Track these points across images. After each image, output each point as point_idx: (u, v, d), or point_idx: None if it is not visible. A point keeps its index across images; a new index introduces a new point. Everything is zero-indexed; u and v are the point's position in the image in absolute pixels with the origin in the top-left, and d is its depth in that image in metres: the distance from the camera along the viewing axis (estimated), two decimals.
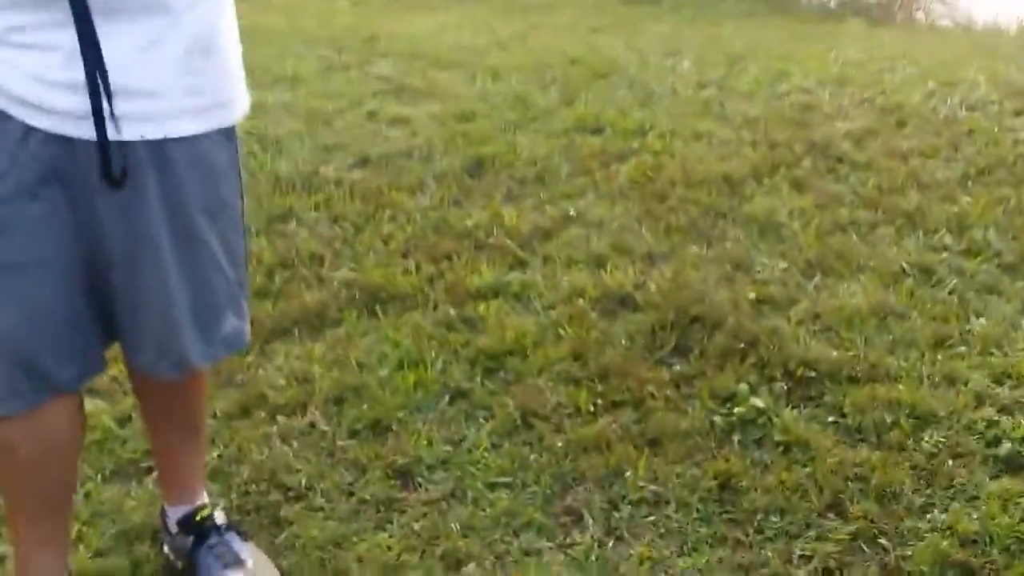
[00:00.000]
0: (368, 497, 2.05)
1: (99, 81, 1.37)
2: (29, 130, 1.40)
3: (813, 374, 2.38)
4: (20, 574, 1.72)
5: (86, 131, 1.40)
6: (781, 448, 2.15)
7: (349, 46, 5.00)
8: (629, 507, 2.01)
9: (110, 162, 1.41)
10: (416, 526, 1.96)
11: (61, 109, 1.39)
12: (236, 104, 1.61)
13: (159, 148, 1.46)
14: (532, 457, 2.15)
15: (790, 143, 3.74)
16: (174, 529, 1.87)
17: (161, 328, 1.59)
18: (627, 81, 4.41)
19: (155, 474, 2.05)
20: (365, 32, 5.21)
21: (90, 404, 2.21)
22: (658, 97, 4.23)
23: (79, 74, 1.36)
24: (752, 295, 2.72)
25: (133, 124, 1.42)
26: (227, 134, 1.59)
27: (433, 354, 2.52)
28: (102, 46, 1.36)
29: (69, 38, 1.35)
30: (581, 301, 2.72)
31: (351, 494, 2.06)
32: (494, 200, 3.35)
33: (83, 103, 1.38)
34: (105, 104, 1.38)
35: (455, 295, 2.81)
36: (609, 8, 5.94)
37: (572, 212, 3.25)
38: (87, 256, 1.50)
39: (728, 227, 3.14)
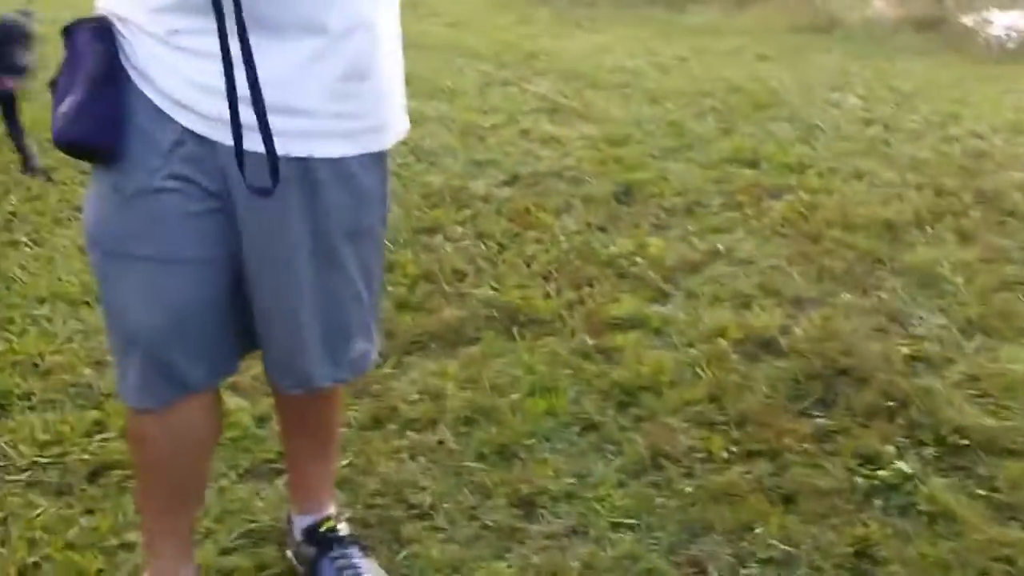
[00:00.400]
0: (490, 523, 2.02)
1: (240, 93, 1.36)
2: (184, 131, 1.43)
3: (966, 442, 2.23)
4: (146, 563, 1.77)
5: (230, 141, 1.39)
6: (926, 518, 2.02)
7: (509, 62, 5.04)
8: (757, 565, 1.92)
9: (268, 172, 1.39)
10: (535, 559, 1.93)
11: (214, 116, 1.40)
12: (389, 129, 1.58)
13: (305, 166, 1.46)
14: (659, 500, 2.09)
15: (958, 191, 3.56)
16: (299, 537, 1.88)
17: (289, 346, 1.60)
18: (788, 113, 4.29)
19: (286, 478, 2.09)
20: (526, 49, 5.23)
21: (231, 401, 2.27)
22: (820, 132, 4.09)
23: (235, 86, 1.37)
24: (905, 351, 2.58)
25: (280, 139, 1.39)
26: (377, 158, 1.56)
27: (566, 382, 2.49)
28: (258, 60, 1.35)
29: (230, 49, 1.35)
30: (723, 341, 2.64)
31: (474, 518, 2.04)
32: (640, 228, 3.31)
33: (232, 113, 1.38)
34: (255, 116, 1.36)
35: (593, 323, 2.77)
36: (776, 35, 5.79)
37: (720, 247, 3.17)
38: (231, 262, 1.52)
39: (885, 276, 3.00)
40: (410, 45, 4.75)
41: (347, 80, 1.45)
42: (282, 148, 1.40)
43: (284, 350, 1.61)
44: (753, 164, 3.77)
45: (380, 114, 1.55)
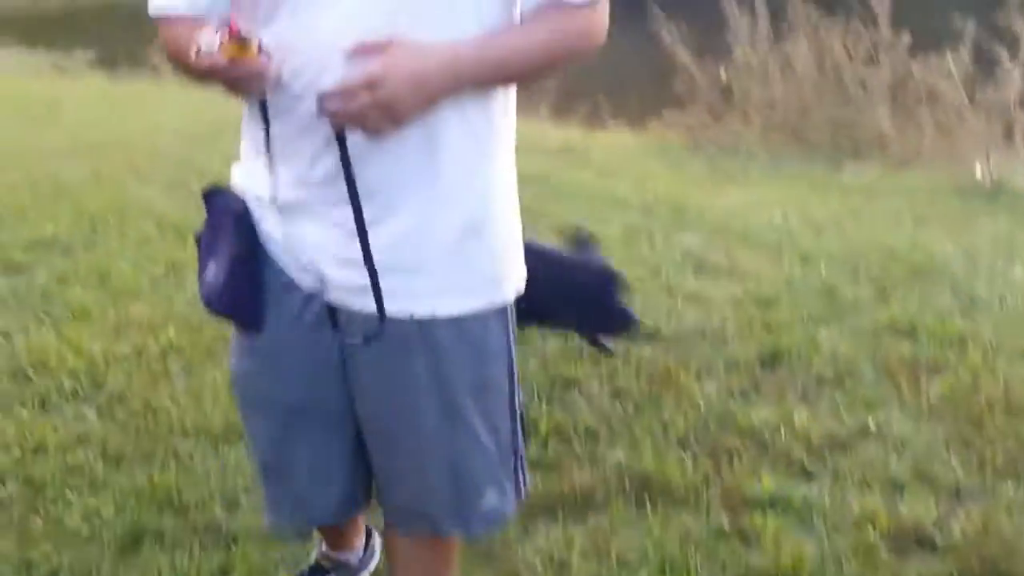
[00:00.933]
0: None
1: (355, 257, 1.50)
2: (311, 296, 1.59)
3: None
4: None
5: (356, 303, 1.54)
6: None
7: (658, 213, 5.03)
8: None
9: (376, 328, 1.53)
10: None
11: (338, 283, 1.54)
12: (508, 282, 1.60)
13: (427, 325, 1.53)
14: None
15: None
16: None
17: (415, 495, 1.68)
18: (950, 283, 4.09)
19: None
20: (676, 201, 5.22)
21: None
22: (984, 305, 3.87)
23: (354, 252, 1.49)
24: None
25: (400, 300, 1.51)
26: (499, 311, 1.59)
27: (698, 564, 2.36)
28: (376, 224, 1.47)
29: (347, 217, 1.47)
30: (871, 531, 2.46)
31: None
32: (786, 398, 3.17)
33: (355, 278, 1.51)
34: (370, 280, 1.50)
35: (731, 500, 2.64)
36: (940, 199, 5.61)
37: (872, 424, 2.99)
38: (353, 413, 1.65)
39: None
40: (559, 195, 4.86)
41: (464, 238, 1.52)
42: (404, 310, 1.52)
43: (409, 498, 1.69)
44: (910, 335, 3.58)
45: (499, 267, 1.59)
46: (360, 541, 2.25)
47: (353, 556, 2.24)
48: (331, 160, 1.45)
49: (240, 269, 1.60)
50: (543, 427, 3.00)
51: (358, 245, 1.48)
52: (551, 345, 3.54)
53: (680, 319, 3.76)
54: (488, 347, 1.59)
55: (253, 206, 1.60)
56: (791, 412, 3.06)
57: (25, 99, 8.66)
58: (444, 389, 1.57)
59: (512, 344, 1.65)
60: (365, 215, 1.46)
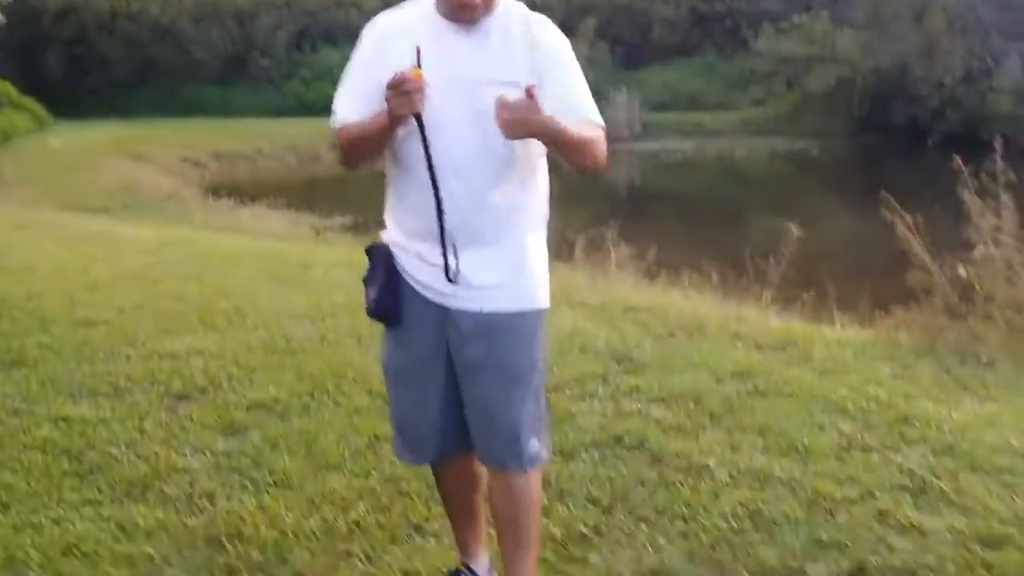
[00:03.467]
0: None
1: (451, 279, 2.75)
2: (429, 304, 2.79)
3: None
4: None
5: (452, 303, 2.79)
6: None
7: (877, 424, 4.67)
8: None
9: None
10: None
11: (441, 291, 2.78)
12: (544, 296, 2.86)
13: (493, 318, 2.77)
14: None
15: None
16: None
17: (487, 438, 2.87)
18: None
19: None
20: (900, 410, 4.84)
21: None
22: None
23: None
24: None
25: (477, 302, 2.77)
26: (540, 313, 2.86)
27: None
28: (463, 260, 2.73)
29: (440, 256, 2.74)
30: None
31: None
32: None
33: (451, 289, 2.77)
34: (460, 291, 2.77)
35: None
36: None
37: None
38: (452, 381, 2.87)
39: None
40: (773, 392, 4.60)
41: (516, 268, 2.78)
42: (481, 306, 2.76)
43: (484, 441, 2.89)
44: None
45: (536, 287, 2.84)
46: (485, 557, 3.19)
47: (481, 569, 3.15)
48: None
49: (387, 290, 2.79)
50: None
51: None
52: (741, 569, 3.31)
53: (891, 553, 3.42)
54: (524, 337, 2.82)
55: (395, 251, 2.82)
56: None
57: (282, 261, 9.38)
58: (501, 361, 2.79)
59: (541, 339, 2.89)
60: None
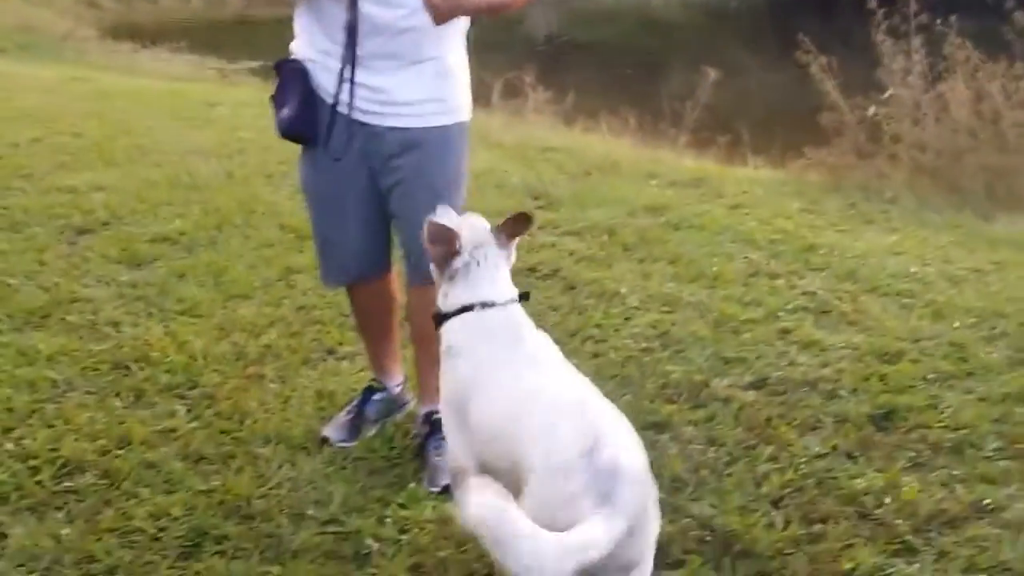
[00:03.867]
0: None
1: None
2: (349, 121, 2.73)
3: None
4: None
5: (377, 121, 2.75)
6: None
7: (783, 252, 4.77)
8: None
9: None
10: None
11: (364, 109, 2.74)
12: (464, 108, 2.85)
13: (413, 134, 2.75)
14: None
15: None
16: (420, 421, 3.02)
17: (413, 250, 2.75)
18: None
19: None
20: (806, 241, 4.94)
21: None
22: None
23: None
24: None
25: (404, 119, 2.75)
26: (462, 127, 2.85)
27: None
28: (387, 79, 2.71)
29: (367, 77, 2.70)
30: None
31: None
32: (895, 463, 2.92)
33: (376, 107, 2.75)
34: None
35: (820, 571, 2.44)
36: None
37: (988, 502, 2.72)
38: (377, 196, 2.84)
39: None
40: (684, 226, 4.63)
41: (440, 84, 2.76)
42: (409, 123, 2.74)
43: (412, 255, 2.81)
44: None
45: (456, 100, 2.82)
46: (400, 376, 3.20)
47: (394, 386, 3.16)
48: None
49: (303, 105, 2.70)
50: None
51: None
52: (649, 385, 3.39)
53: (792, 367, 3.54)
54: (463, 150, 2.86)
55: (308, 65, 2.72)
56: (899, 480, 2.82)
57: (184, 101, 9.01)
58: (420, 174, 2.75)
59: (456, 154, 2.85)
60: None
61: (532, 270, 4.48)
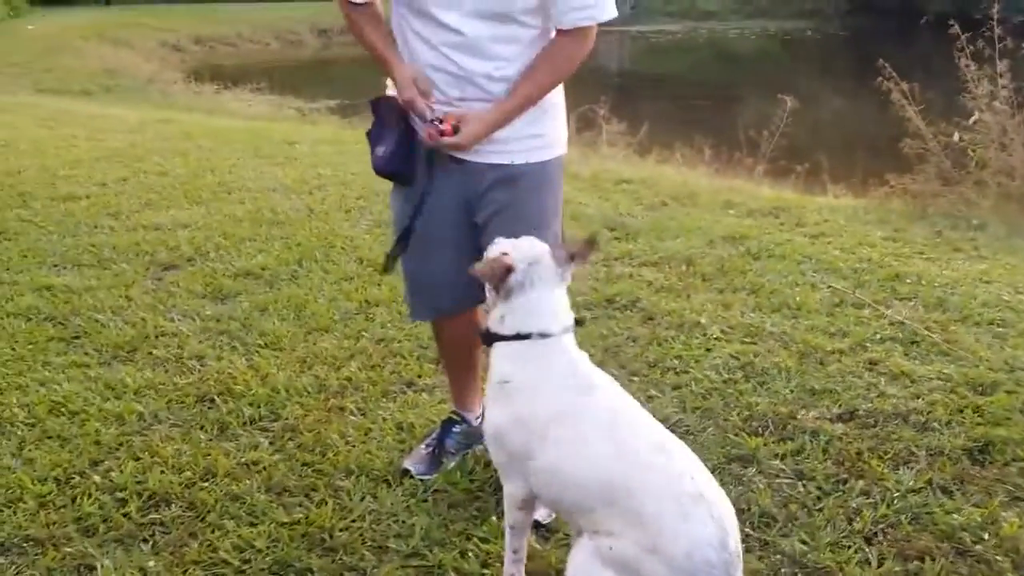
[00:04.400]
0: None
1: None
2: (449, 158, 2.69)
3: None
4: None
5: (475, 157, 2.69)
6: None
7: (868, 282, 4.66)
8: None
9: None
10: None
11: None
12: (561, 142, 2.80)
13: (516, 169, 2.70)
14: None
15: None
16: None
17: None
18: None
19: None
20: (892, 269, 4.82)
21: None
22: None
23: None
24: None
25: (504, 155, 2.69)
26: (559, 161, 2.80)
27: None
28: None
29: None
30: None
31: None
32: (994, 498, 2.80)
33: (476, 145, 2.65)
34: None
35: None
36: None
37: None
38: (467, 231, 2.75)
39: None
40: (764, 255, 4.57)
41: (539, 118, 2.69)
42: (511, 159, 2.69)
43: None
44: None
45: (555, 134, 2.78)
46: (479, 408, 3.07)
47: (473, 417, 3.13)
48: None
49: (401, 144, 2.67)
50: None
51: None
52: (733, 417, 3.32)
53: (882, 399, 3.43)
54: (559, 183, 2.81)
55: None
56: (999, 515, 2.71)
57: (265, 139, 9.21)
58: (537, 212, 2.70)
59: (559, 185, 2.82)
60: None
61: (610, 301, 4.44)
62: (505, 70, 2.59)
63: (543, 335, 2.24)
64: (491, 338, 2.32)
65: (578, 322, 2.33)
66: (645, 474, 1.99)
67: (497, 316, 2.31)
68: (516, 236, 2.40)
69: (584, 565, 2.02)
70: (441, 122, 2.56)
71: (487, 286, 2.33)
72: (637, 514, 1.95)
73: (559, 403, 2.18)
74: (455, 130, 2.56)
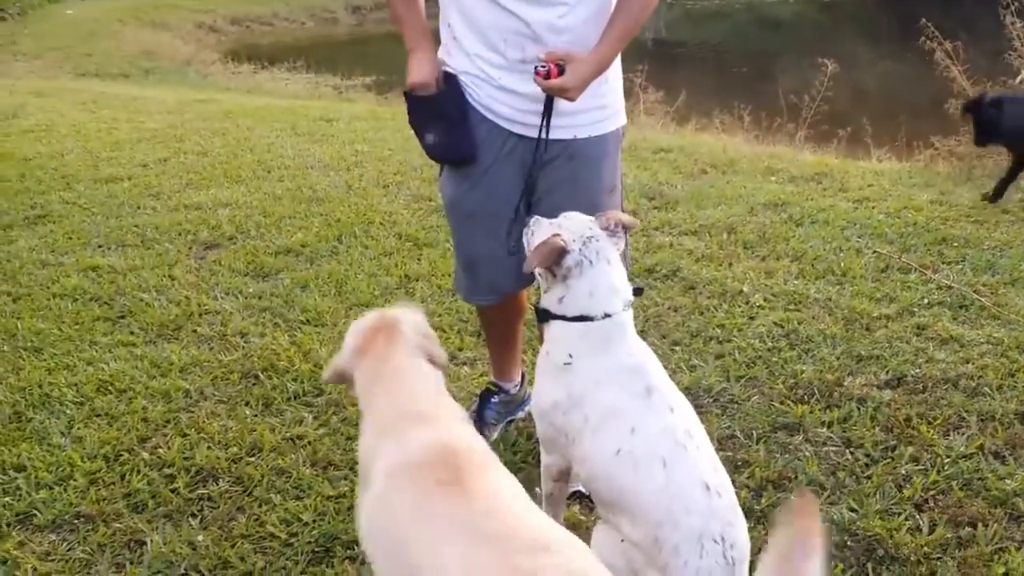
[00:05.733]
0: None
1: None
2: (511, 135, 2.57)
3: None
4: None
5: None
6: None
7: (915, 246, 4.57)
8: None
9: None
10: None
11: (529, 123, 2.55)
12: (622, 114, 2.68)
13: (580, 143, 2.58)
14: None
15: None
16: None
17: None
18: None
19: None
20: (939, 233, 4.73)
21: None
22: None
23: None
24: None
25: (568, 130, 2.56)
26: (619, 132, 2.68)
27: None
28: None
29: (527, 84, 2.45)
30: None
31: None
32: None
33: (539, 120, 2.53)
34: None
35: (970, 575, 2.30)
36: None
37: None
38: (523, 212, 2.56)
39: None
40: (807, 221, 4.50)
41: (601, 90, 2.54)
42: (574, 134, 2.56)
43: None
44: None
45: (616, 106, 2.65)
46: (518, 376, 3.14)
47: (512, 386, 3.11)
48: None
49: (458, 126, 2.56)
50: (759, 472, 2.76)
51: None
52: (779, 384, 3.28)
53: (930, 364, 3.37)
54: (619, 155, 2.69)
55: (464, 79, 2.56)
56: None
57: (303, 117, 9.23)
58: (598, 184, 2.61)
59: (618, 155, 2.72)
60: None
61: (650, 271, 4.41)
62: (568, 18, 2.42)
63: (607, 315, 2.15)
64: (548, 316, 2.22)
65: (637, 291, 2.25)
66: (684, 517, 1.92)
67: (555, 297, 2.20)
68: (579, 210, 2.30)
69: (601, 544, 2.04)
70: (544, 65, 2.36)
71: (539, 272, 2.22)
72: (658, 539, 1.92)
73: (619, 401, 2.09)
74: (560, 71, 2.36)
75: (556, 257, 2.15)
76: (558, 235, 2.18)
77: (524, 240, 2.35)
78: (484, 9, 2.46)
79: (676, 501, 1.93)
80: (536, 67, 2.37)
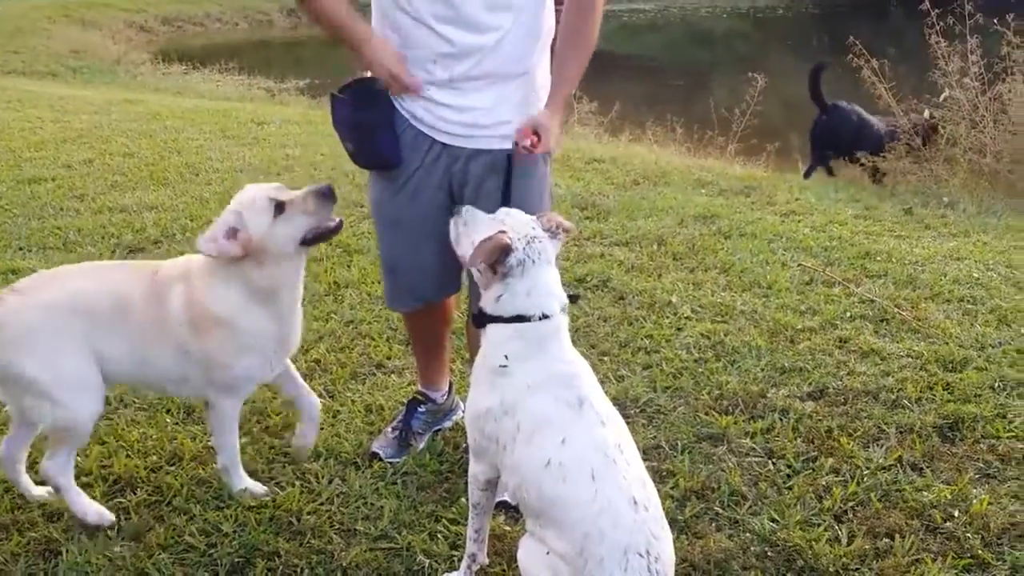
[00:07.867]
0: None
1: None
2: (434, 143, 2.61)
3: None
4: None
5: (466, 144, 2.61)
6: None
7: (839, 260, 4.67)
8: None
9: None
10: None
11: (455, 132, 2.60)
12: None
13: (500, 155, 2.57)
14: None
15: None
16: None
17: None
18: None
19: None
20: (862, 247, 4.83)
21: None
22: None
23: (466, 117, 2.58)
24: None
25: (496, 142, 2.57)
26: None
27: None
28: (477, 100, 2.56)
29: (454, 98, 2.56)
30: None
31: None
32: (963, 475, 2.81)
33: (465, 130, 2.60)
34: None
35: None
36: None
37: None
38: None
39: None
40: (735, 234, 4.55)
41: (528, 104, 2.57)
42: (502, 145, 2.54)
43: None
44: None
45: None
46: (446, 385, 3.13)
47: (439, 395, 3.10)
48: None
49: (382, 132, 2.59)
50: (683, 483, 2.78)
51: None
52: (704, 395, 3.31)
53: (851, 376, 3.43)
54: (549, 172, 2.72)
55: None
56: (968, 492, 2.71)
57: (233, 120, 9.09)
58: (520, 197, 2.48)
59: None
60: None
61: (581, 281, 4.42)
62: (502, 42, 2.48)
63: (545, 316, 2.14)
64: (485, 319, 2.19)
65: (574, 298, 2.24)
66: (611, 532, 1.91)
67: (492, 296, 2.17)
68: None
69: (527, 556, 2.05)
70: (526, 140, 2.45)
71: (480, 268, 2.17)
72: (584, 551, 1.92)
73: (551, 411, 2.07)
74: (536, 133, 2.45)
75: (501, 255, 2.13)
76: (504, 232, 2.15)
77: (452, 229, 2.29)
78: (417, 31, 2.51)
79: (604, 515, 1.93)
80: (519, 146, 2.45)
